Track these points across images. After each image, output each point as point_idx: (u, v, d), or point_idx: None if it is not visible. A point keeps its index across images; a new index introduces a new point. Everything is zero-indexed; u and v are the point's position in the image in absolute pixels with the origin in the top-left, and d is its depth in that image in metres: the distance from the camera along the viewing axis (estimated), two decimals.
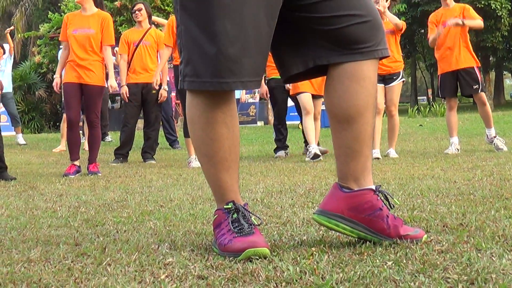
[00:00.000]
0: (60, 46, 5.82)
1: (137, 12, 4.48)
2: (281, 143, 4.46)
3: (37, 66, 12.02)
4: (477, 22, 3.91)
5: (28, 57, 15.28)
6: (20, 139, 7.12)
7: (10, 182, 2.92)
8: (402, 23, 3.96)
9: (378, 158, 3.53)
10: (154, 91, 4.40)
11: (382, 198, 1.10)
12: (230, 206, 1.07)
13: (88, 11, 3.59)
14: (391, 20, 3.87)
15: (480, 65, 4.10)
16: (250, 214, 1.06)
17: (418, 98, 28.26)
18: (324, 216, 1.07)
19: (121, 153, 4.31)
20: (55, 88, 3.70)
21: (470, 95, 4.11)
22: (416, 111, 13.37)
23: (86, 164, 3.42)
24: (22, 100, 11.30)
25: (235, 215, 1.04)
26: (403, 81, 4.03)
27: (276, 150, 4.41)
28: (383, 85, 3.75)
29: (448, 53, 3.89)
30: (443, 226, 1.26)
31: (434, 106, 12.99)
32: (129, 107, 4.48)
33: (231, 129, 1.11)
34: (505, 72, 28.41)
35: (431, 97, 27.06)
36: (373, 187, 1.10)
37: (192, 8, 1.04)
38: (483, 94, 3.93)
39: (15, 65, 11.25)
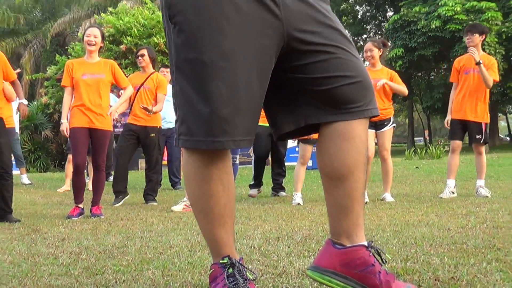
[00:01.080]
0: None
1: (140, 58, 4.66)
2: (256, 183, 4.81)
3: (44, 106, 12.37)
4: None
5: (35, 98, 15.76)
6: (25, 179, 7.17)
7: (14, 224, 2.96)
8: (406, 91, 4.22)
9: (366, 202, 3.56)
10: (153, 135, 4.52)
11: (375, 253, 1.13)
12: (225, 261, 1.09)
13: (94, 59, 3.76)
14: (397, 90, 4.07)
15: (489, 121, 4.25)
16: (245, 269, 1.09)
17: (415, 139, 28.72)
18: (318, 272, 1.11)
19: (119, 190, 4.35)
20: (64, 133, 3.72)
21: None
22: (413, 153, 13.67)
23: (89, 205, 3.47)
24: (29, 139, 11.62)
25: (230, 270, 1.07)
26: (394, 126, 4.13)
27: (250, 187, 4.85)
28: (374, 130, 3.88)
29: (465, 100, 4.03)
30: (435, 280, 1.29)
31: (430, 148, 13.16)
32: (122, 141, 4.54)
33: (226, 185, 1.13)
34: (499, 114, 28.90)
35: (428, 138, 27.56)
36: (366, 243, 1.13)
37: (187, 70, 1.07)
38: (482, 146, 4.10)
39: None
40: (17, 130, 7.26)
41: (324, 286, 1.15)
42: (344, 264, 1.09)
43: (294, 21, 1.05)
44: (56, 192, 5.85)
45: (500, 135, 28.80)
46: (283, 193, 4.78)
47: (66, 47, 16.55)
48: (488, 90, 4.04)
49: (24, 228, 2.79)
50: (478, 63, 3.83)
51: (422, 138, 32.77)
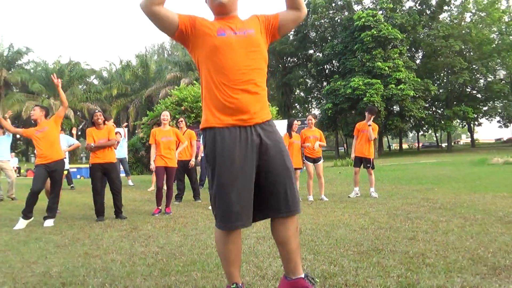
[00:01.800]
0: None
1: (180, 122, 7.31)
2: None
3: (141, 138, 19.26)
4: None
5: (136, 133, 23.95)
6: (130, 182, 11.08)
7: (123, 221, 5.15)
8: (374, 136, 7.00)
9: (312, 201, 6.49)
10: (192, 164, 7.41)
11: (310, 280, 1.85)
12: (234, 286, 1.85)
13: (166, 128, 6.09)
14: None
15: (373, 156, 7.17)
16: None
17: (339, 148, 49.43)
18: None
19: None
20: (151, 169, 6.03)
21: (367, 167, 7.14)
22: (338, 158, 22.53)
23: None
24: (133, 156, 18.83)
25: None
26: (322, 161, 6.91)
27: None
28: (313, 163, 6.73)
29: (362, 146, 6.99)
30: (345, 285, 2.23)
31: (347, 159, 20.55)
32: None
33: (236, 244, 1.86)
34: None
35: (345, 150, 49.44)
36: (303, 275, 1.84)
37: (216, 186, 1.84)
38: (371, 170, 7.05)
39: (130, 137, 19.99)
40: (126, 154, 11.34)
41: None
42: None
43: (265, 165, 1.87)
44: (147, 191, 9.18)
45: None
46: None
47: (152, 104, 31.44)
48: (372, 141, 7.03)
49: (128, 225, 4.88)
50: (369, 125, 6.92)
51: (343, 147, 53.64)
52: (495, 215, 4.51)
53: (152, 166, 5.91)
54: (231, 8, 1.95)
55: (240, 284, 1.92)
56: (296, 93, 48.72)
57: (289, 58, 43.49)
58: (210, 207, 5.81)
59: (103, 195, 5.86)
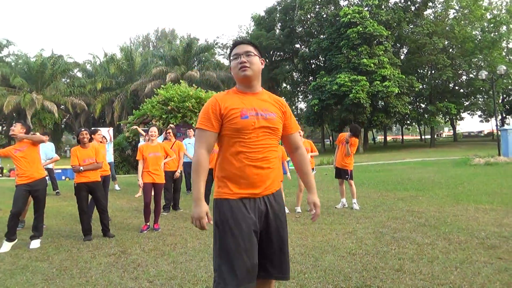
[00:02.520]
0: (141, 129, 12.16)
1: (167, 133, 7.25)
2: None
3: (127, 137, 19.14)
4: (350, 151, 6.97)
5: (122, 132, 23.30)
6: (116, 187, 11.02)
7: (111, 241, 5.12)
8: (351, 152, 6.92)
9: (300, 213, 6.64)
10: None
11: None
12: None
13: (155, 143, 6.04)
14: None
15: (352, 169, 7.13)
16: None
17: (325, 140, 49.59)
18: None
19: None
20: (139, 183, 5.93)
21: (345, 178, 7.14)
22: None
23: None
24: (119, 155, 18.61)
25: None
26: (315, 172, 6.87)
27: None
28: None
29: (341, 157, 7.04)
30: None
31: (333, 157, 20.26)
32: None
33: None
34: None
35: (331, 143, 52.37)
36: None
37: (222, 252, 1.92)
38: (351, 180, 7.04)
39: (115, 136, 19.93)
40: (112, 158, 10.68)
41: None
42: None
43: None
44: (134, 198, 9.13)
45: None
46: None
47: (138, 98, 37.42)
48: (350, 153, 7.03)
49: (116, 247, 4.84)
50: (347, 142, 7.00)
51: (329, 139, 56.89)
52: (477, 236, 4.64)
53: (140, 182, 5.86)
54: (255, 81, 2.12)
55: None
56: (282, 87, 48.79)
57: (276, 53, 43.38)
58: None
59: (90, 214, 5.80)
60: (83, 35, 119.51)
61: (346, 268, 3.60)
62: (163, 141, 7.35)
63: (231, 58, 2.14)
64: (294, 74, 45.48)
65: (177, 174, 7.45)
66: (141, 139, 16.51)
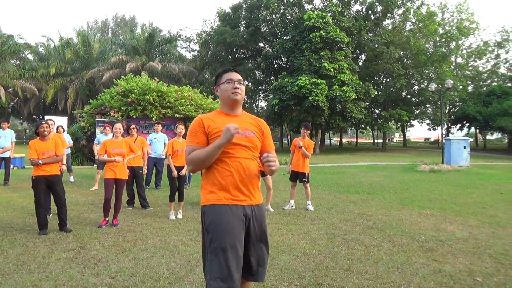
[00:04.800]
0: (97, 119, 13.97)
1: (131, 129, 7.31)
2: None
3: (82, 128, 18.71)
4: (308, 153, 7.26)
5: (77, 122, 22.74)
6: (71, 179, 10.83)
7: (69, 235, 5.08)
8: (309, 155, 7.24)
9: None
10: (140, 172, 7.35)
11: None
12: None
13: (119, 139, 6.04)
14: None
15: (309, 172, 7.45)
16: None
17: (283, 139, 49.61)
18: None
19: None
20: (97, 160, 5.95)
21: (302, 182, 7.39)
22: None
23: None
24: (74, 146, 17.62)
25: None
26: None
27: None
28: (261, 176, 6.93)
29: (298, 161, 7.33)
30: None
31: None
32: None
33: None
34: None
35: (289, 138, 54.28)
36: None
37: (214, 253, 2.12)
38: (307, 184, 7.35)
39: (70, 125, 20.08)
40: (68, 149, 10.52)
41: None
42: None
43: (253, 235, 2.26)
44: (89, 191, 8.97)
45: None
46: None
47: (94, 86, 38.33)
48: (307, 158, 7.33)
49: (75, 242, 4.80)
50: (300, 147, 7.18)
51: (287, 138, 57.26)
52: (418, 239, 5.11)
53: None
54: (240, 105, 2.43)
55: None
56: (244, 85, 48.99)
57: (240, 50, 43.47)
58: (168, 213, 6.13)
59: (46, 207, 5.71)
60: (37, 15, 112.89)
61: (300, 267, 3.88)
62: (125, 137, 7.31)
63: (223, 81, 2.39)
64: (257, 72, 45.85)
65: (145, 170, 7.45)
66: (98, 130, 16.12)
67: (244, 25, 41.63)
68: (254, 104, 54.18)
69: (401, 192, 9.92)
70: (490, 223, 6.17)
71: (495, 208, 7.58)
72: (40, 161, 5.24)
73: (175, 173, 6.37)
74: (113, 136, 6.13)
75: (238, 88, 2.36)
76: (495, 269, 3.90)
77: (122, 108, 16.85)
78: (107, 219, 5.88)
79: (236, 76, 2.40)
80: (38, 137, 5.43)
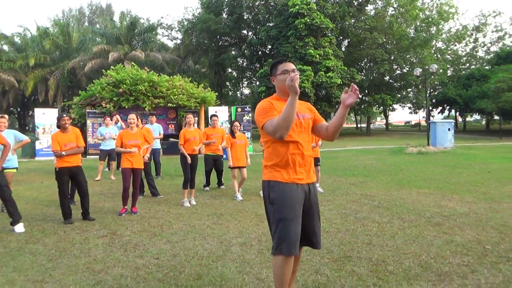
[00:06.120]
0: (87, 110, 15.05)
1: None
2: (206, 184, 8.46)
3: (73, 119, 18.15)
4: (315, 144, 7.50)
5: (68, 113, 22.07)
6: None
7: (94, 223, 5.29)
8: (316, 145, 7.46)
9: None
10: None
11: None
12: None
13: (134, 130, 6.22)
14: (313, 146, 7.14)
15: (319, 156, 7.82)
16: None
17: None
18: None
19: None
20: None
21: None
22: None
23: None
24: None
25: None
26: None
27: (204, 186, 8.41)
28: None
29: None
30: None
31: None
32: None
33: (291, 268, 2.45)
34: None
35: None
36: None
37: (278, 223, 2.43)
38: (318, 167, 7.82)
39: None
40: None
41: None
42: None
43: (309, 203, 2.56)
44: (94, 182, 9.25)
45: None
46: (223, 187, 8.55)
47: (76, 77, 37.97)
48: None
49: (103, 229, 5.00)
50: (313, 147, 7.26)
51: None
52: (424, 215, 5.52)
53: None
54: None
55: None
56: (228, 72, 48.84)
57: (223, 38, 43.24)
58: (182, 201, 6.69)
59: (69, 197, 5.88)
60: (10, 4, 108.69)
61: (326, 243, 4.21)
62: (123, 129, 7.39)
63: (279, 72, 2.63)
64: (241, 60, 45.79)
65: (146, 158, 7.62)
66: (89, 121, 16.07)
67: (227, 12, 41.36)
68: (238, 92, 54.21)
69: (395, 173, 10.39)
70: (485, 199, 6.66)
71: (486, 185, 8.11)
72: (63, 153, 5.39)
73: (189, 159, 6.60)
74: (128, 127, 6.29)
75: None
76: (500, 238, 4.33)
77: (114, 98, 16.85)
78: (126, 207, 6.09)
79: (291, 66, 2.62)
80: (59, 130, 5.56)
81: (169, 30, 48.76)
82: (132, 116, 6.23)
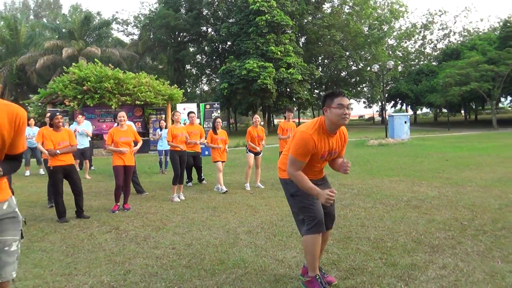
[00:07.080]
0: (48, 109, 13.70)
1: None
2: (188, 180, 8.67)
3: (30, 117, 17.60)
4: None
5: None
6: (41, 171, 11.16)
7: (92, 221, 5.34)
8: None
9: (251, 191, 7.47)
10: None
11: (320, 278, 2.77)
12: (318, 277, 2.76)
13: (124, 128, 6.29)
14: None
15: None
16: (324, 277, 2.85)
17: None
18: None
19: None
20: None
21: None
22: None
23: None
24: None
25: (319, 280, 2.77)
26: (261, 154, 8.04)
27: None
28: (254, 155, 7.79)
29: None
30: None
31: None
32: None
33: (320, 244, 2.78)
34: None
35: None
36: (314, 275, 2.77)
37: (300, 209, 2.83)
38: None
39: None
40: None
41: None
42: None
43: None
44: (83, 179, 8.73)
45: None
46: (204, 182, 8.83)
47: (26, 74, 35.97)
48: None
49: (104, 225, 5.06)
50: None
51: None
52: (401, 200, 6.09)
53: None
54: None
55: (320, 275, 2.83)
56: (187, 69, 48.35)
57: (183, 34, 42.77)
58: (171, 196, 6.89)
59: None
60: None
61: None
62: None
63: (335, 105, 2.65)
64: (200, 56, 45.53)
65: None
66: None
67: (185, 8, 40.96)
68: (197, 89, 53.87)
69: (363, 164, 11.08)
70: (450, 184, 7.39)
71: (447, 172, 8.93)
72: (57, 151, 5.39)
73: (181, 147, 6.83)
74: (118, 125, 6.34)
75: (348, 114, 2.65)
76: (473, 215, 4.95)
77: (78, 96, 16.39)
78: (118, 204, 6.16)
79: (346, 101, 2.66)
80: (52, 128, 5.54)
81: (125, 25, 47.49)
82: (122, 114, 6.29)
